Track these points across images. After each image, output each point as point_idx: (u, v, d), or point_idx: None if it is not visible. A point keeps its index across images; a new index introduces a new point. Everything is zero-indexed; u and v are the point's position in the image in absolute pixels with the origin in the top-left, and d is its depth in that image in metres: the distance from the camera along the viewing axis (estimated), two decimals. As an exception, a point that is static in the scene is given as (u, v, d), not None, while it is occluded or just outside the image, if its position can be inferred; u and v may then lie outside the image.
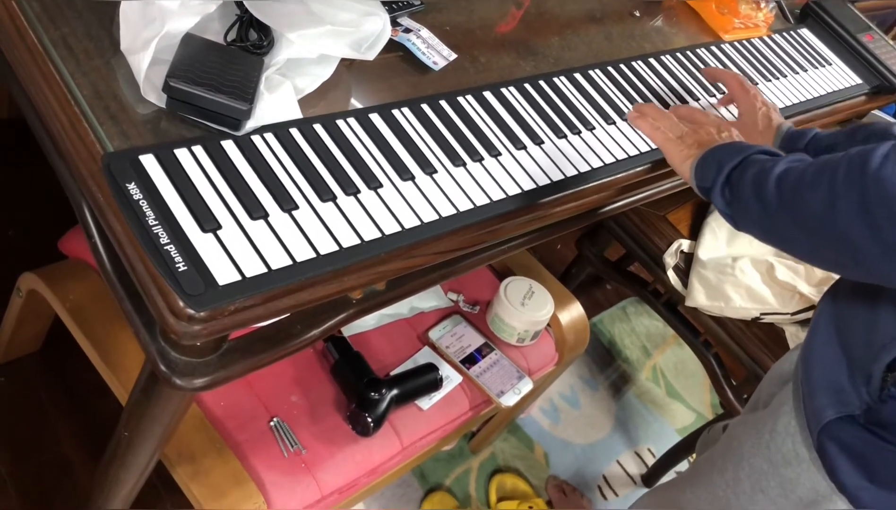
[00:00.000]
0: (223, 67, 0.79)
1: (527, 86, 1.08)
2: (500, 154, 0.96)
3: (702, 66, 1.35)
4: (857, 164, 0.73)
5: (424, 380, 1.24)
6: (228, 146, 0.78)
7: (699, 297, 1.49)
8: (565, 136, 1.04)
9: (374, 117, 0.90)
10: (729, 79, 1.19)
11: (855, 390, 0.84)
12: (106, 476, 1.01)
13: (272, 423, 1.12)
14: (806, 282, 1.47)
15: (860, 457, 0.84)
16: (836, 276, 1.48)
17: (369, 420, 1.14)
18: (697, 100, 1.26)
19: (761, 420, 0.99)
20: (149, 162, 0.73)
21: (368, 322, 1.30)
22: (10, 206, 1.64)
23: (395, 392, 1.18)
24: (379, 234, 0.79)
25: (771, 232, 0.85)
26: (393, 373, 1.26)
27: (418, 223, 0.83)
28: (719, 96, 1.28)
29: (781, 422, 0.93)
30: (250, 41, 0.85)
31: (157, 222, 0.69)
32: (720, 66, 1.38)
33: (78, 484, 1.38)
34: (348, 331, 1.27)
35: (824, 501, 0.88)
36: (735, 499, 1.00)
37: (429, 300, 1.39)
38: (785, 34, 1.57)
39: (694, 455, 1.85)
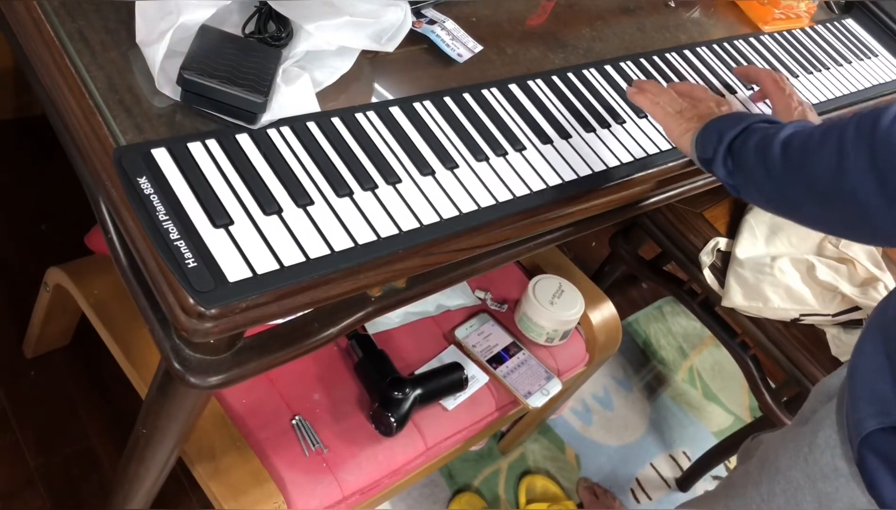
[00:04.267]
0: (239, 59, 0.78)
1: (555, 78, 1.05)
2: (524, 148, 0.93)
3: (740, 59, 1.30)
4: (868, 124, 0.72)
5: (449, 379, 1.22)
6: (243, 140, 0.77)
7: (736, 297, 1.44)
8: (594, 130, 1.01)
9: (395, 111, 0.88)
10: (763, 77, 1.13)
11: None
12: (126, 473, 1.01)
13: (294, 422, 1.11)
14: (848, 282, 1.42)
15: None
16: (880, 277, 1.43)
17: (392, 420, 1.12)
18: (734, 93, 1.22)
19: (801, 434, 0.94)
20: (161, 156, 0.71)
21: (393, 320, 1.28)
22: (44, 200, 1.66)
23: (419, 391, 1.16)
24: (396, 231, 0.77)
25: (776, 198, 0.84)
26: (417, 372, 1.24)
27: (437, 219, 0.80)
28: (756, 88, 1.23)
29: (822, 435, 0.89)
30: (268, 33, 0.83)
31: (167, 217, 0.67)
32: (759, 59, 1.33)
33: (105, 478, 1.38)
34: (373, 328, 1.25)
35: None
36: None
37: (455, 298, 1.37)
38: (828, 25, 1.51)
39: (732, 458, 1.80)
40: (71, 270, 1.17)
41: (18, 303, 1.48)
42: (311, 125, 0.81)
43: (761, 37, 1.38)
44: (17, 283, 1.52)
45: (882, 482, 0.81)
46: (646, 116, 1.07)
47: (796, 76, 1.34)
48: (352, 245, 0.74)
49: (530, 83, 1.02)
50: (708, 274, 1.50)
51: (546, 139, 0.96)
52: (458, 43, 1.01)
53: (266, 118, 0.78)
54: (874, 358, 0.84)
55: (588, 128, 1.01)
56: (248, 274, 0.67)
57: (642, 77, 1.14)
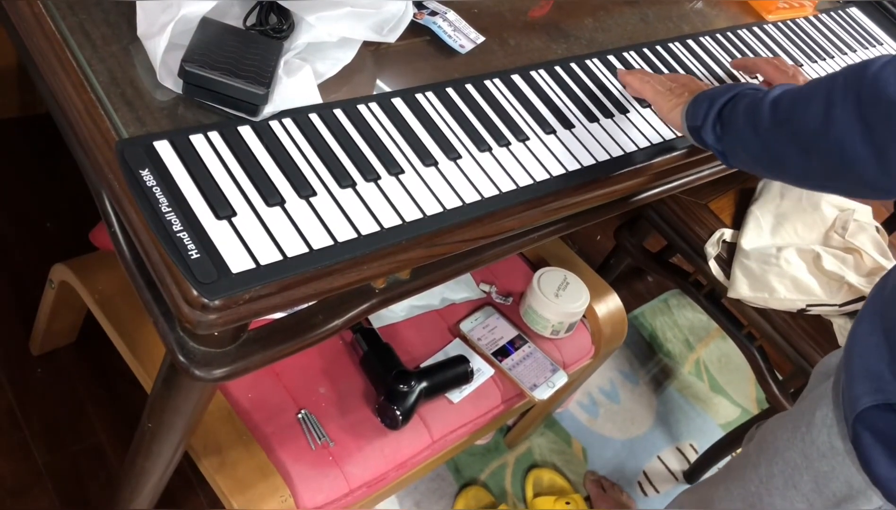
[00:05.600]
0: (241, 52, 0.78)
1: (557, 69, 1.04)
2: (528, 138, 0.93)
3: (744, 48, 1.30)
4: (855, 72, 0.72)
5: (455, 372, 1.22)
6: (245, 132, 0.76)
7: (742, 289, 1.44)
8: (597, 120, 1.01)
9: (397, 102, 0.88)
10: (762, 65, 1.13)
11: (894, 378, 0.80)
12: (132, 468, 1.01)
13: (300, 415, 1.11)
14: (854, 272, 1.41)
15: (895, 447, 0.80)
16: (887, 266, 1.42)
17: (398, 413, 1.12)
18: (738, 82, 1.21)
19: (799, 413, 0.95)
20: (163, 148, 0.71)
21: (398, 313, 1.28)
22: (48, 197, 1.67)
23: (424, 384, 1.16)
24: (399, 222, 0.77)
25: (762, 156, 0.85)
26: (423, 365, 1.24)
27: (441, 210, 0.80)
28: (760, 79, 1.23)
29: (819, 414, 0.90)
30: (270, 25, 0.83)
31: (170, 209, 0.67)
32: (763, 48, 1.32)
33: (113, 473, 1.39)
34: (378, 322, 1.25)
35: (858, 496, 0.84)
36: (767, 495, 0.96)
37: (460, 291, 1.36)
38: (832, 13, 1.51)
39: (738, 450, 1.79)
40: (76, 267, 1.17)
41: (24, 301, 1.48)
42: (314, 117, 0.81)
43: (765, 26, 1.38)
44: (22, 281, 1.52)
45: (875, 459, 0.81)
46: (650, 106, 1.07)
47: (801, 65, 1.33)
48: (355, 236, 0.74)
49: (533, 73, 1.02)
50: (714, 265, 1.49)
51: (549, 129, 0.96)
52: (459, 34, 1.00)
53: (268, 110, 0.78)
54: (870, 336, 0.85)
55: (591, 117, 1.01)
56: (252, 265, 0.67)
57: (646, 67, 1.13)
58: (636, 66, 1.12)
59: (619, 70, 1.07)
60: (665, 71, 1.14)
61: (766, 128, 0.82)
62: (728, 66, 1.23)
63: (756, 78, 1.23)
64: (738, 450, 1.77)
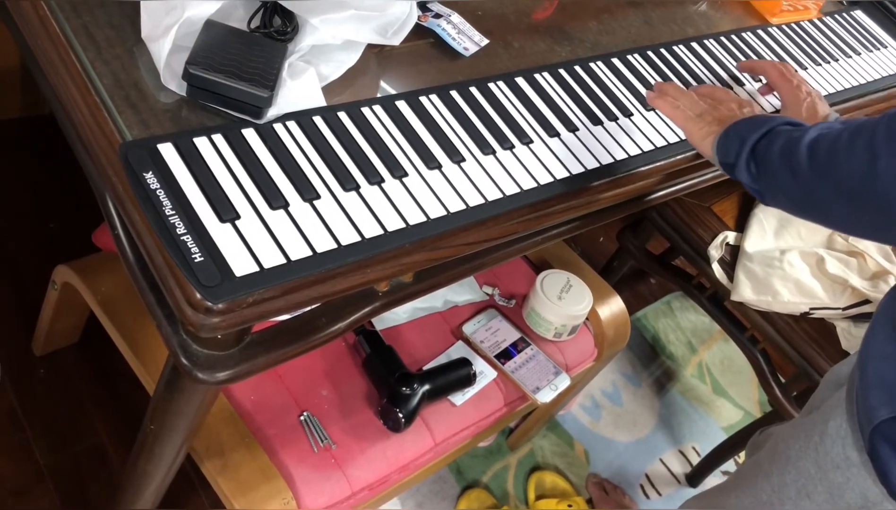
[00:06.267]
0: (245, 54, 0.78)
1: (561, 71, 1.04)
2: (531, 141, 0.93)
3: (748, 51, 1.29)
4: None
5: (457, 375, 1.21)
6: (249, 134, 0.76)
7: (745, 291, 1.44)
8: (601, 123, 1.01)
9: (401, 104, 0.88)
10: (768, 68, 1.12)
11: None
12: (134, 470, 1.01)
13: (302, 418, 1.11)
14: (858, 275, 1.41)
15: None
16: (890, 270, 1.42)
17: (400, 415, 1.12)
18: (742, 85, 1.21)
19: (811, 423, 0.94)
20: (167, 151, 0.71)
21: (401, 315, 1.28)
22: (51, 198, 1.67)
23: (427, 387, 1.16)
24: (403, 225, 0.77)
25: (803, 202, 0.83)
26: (425, 367, 1.23)
27: (444, 213, 0.80)
28: (764, 81, 1.22)
29: (832, 424, 0.89)
30: (274, 27, 0.83)
31: (174, 212, 0.67)
32: (767, 51, 1.32)
33: (114, 474, 1.39)
34: (380, 324, 1.25)
35: (874, 508, 0.83)
36: (780, 504, 0.95)
37: (463, 294, 1.36)
38: (837, 16, 1.50)
39: (741, 453, 1.79)
40: (79, 268, 1.17)
41: (27, 302, 1.48)
42: (317, 119, 0.81)
43: (769, 29, 1.38)
44: (25, 282, 1.52)
45: (894, 471, 0.80)
46: (653, 109, 1.07)
47: (805, 68, 1.33)
48: (359, 239, 0.74)
49: (537, 76, 1.01)
50: (717, 268, 1.49)
51: (553, 132, 0.95)
52: (464, 36, 1.00)
53: (272, 113, 0.78)
54: (884, 346, 0.84)
55: (595, 120, 1.00)
56: (255, 268, 0.67)
57: (650, 70, 1.13)
58: (640, 70, 1.12)
59: (647, 95, 1.03)
60: (672, 77, 1.14)
61: (805, 176, 0.79)
62: (732, 69, 1.23)
63: (760, 80, 1.22)
64: (741, 454, 1.77)
